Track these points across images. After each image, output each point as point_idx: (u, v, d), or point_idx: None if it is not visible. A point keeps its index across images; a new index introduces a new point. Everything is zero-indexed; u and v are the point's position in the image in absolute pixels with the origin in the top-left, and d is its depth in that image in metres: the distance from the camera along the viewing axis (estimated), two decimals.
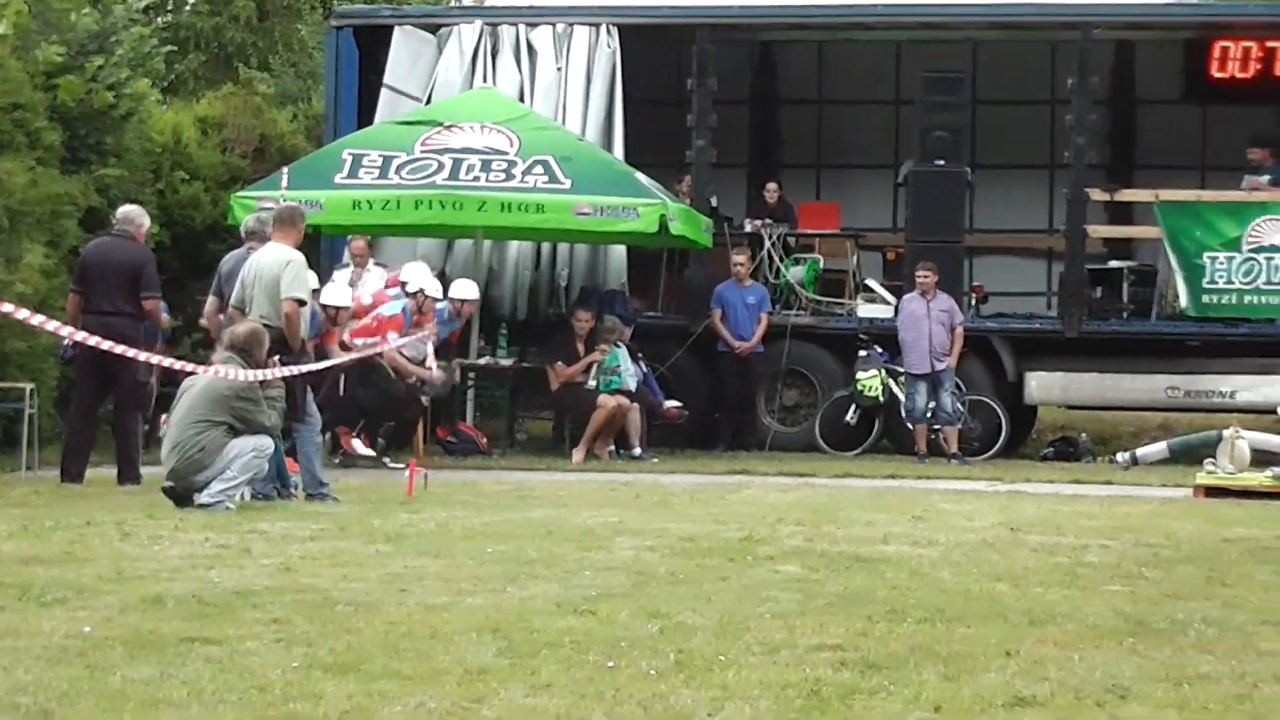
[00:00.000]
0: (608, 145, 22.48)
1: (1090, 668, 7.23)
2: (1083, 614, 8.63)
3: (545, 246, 23.03)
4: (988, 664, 7.30)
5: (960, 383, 21.88)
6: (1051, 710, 6.49)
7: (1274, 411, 19.29)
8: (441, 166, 20.40)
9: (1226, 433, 17.75)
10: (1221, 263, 21.57)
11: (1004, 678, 7.00)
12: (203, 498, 13.46)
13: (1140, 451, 20.18)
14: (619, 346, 21.06)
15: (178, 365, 15.04)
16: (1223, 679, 7.05)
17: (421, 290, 19.24)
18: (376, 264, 21.09)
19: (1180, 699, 6.67)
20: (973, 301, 23.42)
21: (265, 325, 14.34)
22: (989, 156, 24.51)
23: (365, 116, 22.86)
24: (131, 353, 14.97)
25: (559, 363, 20.90)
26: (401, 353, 18.96)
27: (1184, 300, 21.57)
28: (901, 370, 21.68)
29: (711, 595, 9.11)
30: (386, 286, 19.84)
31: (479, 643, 7.59)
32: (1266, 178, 22.13)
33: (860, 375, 21.78)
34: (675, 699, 6.58)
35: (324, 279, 18.74)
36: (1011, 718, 6.37)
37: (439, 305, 19.67)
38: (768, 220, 23.50)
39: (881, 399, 21.81)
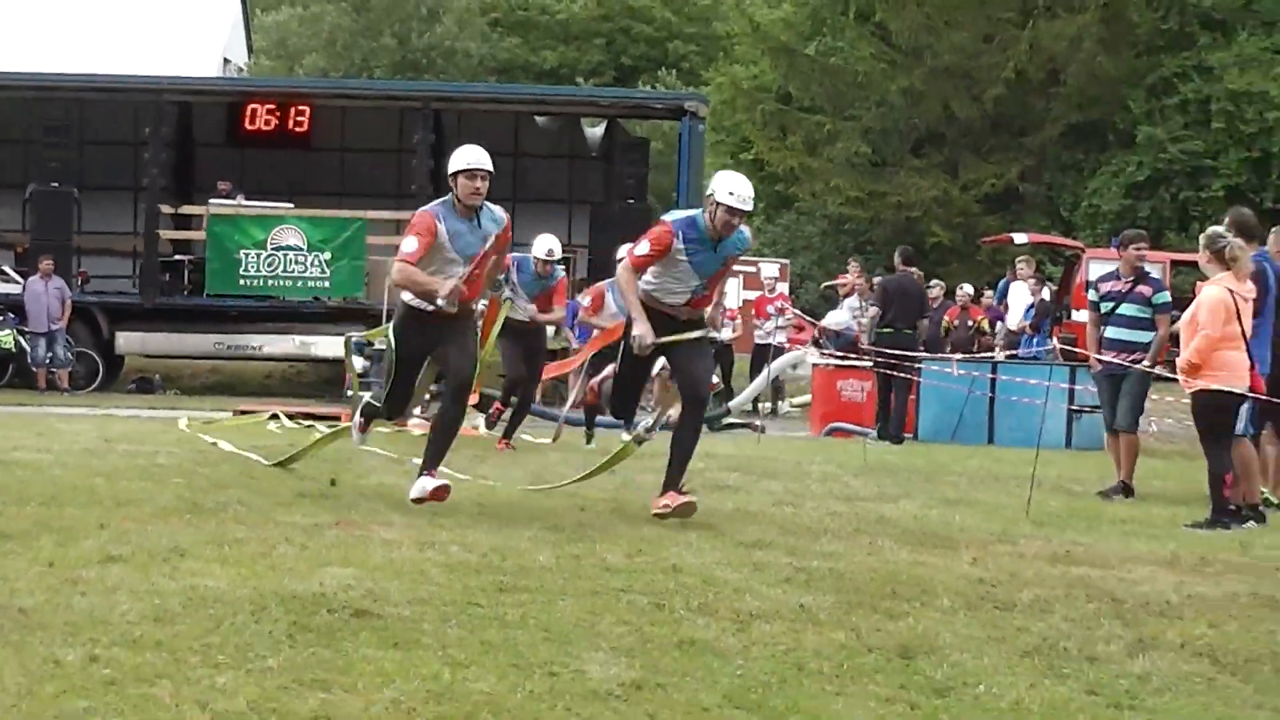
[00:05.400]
0: None
1: (160, 536, 7.15)
2: (155, 499, 8.49)
3: None
4: (88, 534, 7.15)
5: (70, 338, 21.63)
6: (133, 565, 6.41)
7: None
8: None
9: None
10: (253, 257, 21.92)
11: (99, 543, 6.89)
12: None
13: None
14: None
15: None
16: (251, 542, 7.08)
17: None
18: None
19: (222, 555, 6.70)
20: (79, 283, 22.94)
21: None
22: (93, 180, 23.70)
23: None
24: None
25: None
26: None
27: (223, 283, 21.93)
28: (28, 329, 21.26)
29: None
30: None
31: None
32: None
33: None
34: None
35: None
36: (104, 569, 6.27)
37: None
38: None
39: (14, 350, 21.34)
